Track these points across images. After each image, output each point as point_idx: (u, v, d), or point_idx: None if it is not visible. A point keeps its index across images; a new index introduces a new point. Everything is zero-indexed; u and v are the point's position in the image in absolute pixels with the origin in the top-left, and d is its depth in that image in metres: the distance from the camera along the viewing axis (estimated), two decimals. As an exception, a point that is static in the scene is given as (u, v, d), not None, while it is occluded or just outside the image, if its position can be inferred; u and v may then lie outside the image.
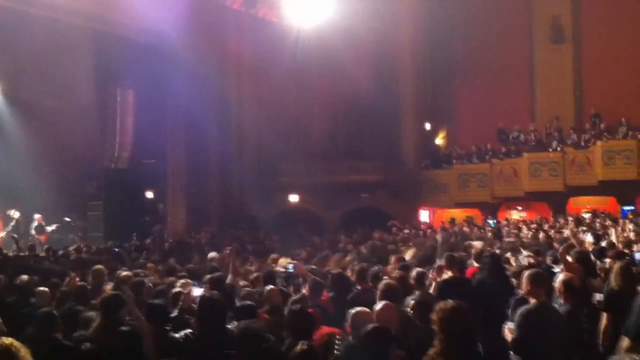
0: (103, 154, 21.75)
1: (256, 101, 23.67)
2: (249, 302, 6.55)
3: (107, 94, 21.71)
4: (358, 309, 5.20)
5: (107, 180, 21.78)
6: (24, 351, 3.12)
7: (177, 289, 7.23)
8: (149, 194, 23.30)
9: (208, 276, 8.01)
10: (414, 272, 7.42)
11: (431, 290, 7.51)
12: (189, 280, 8.04)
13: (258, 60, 23.85)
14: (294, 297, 6.95)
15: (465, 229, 18.89)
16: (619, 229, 12.89)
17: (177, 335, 5.21)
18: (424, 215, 25.78)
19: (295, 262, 9.34)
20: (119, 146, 21.89)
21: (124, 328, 5.64)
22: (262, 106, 23.49)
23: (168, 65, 20.34)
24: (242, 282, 8.80)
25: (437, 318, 4.39)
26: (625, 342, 4.89)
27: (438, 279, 7.89)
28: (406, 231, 18.57)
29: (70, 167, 20.52)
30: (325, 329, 5.08)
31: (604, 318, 6.40)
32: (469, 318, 4.47)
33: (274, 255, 11.82)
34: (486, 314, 6.95)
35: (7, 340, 3.18)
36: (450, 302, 4.52)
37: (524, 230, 16.80)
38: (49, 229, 19.11)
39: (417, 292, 7.00)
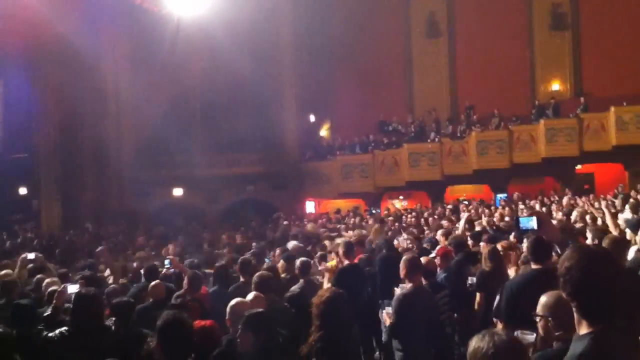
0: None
1: (134, 92, 22.82)
2: (125, 299, 6.33)
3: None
4: (235, 300, 5.19)
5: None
6: None
7: (53, 288, 6.88)
8: (22, 190, 22.07)
9: (81, 273, 7.70)
10: (298, 262, 7.46)
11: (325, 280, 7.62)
12: (56, 279, 7.66)
13: (136, 50, 23.09)
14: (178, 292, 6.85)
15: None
16: (497, 214, 13.40)
17: (50, 334, 5.02)
18: (310, 207, 25.91)
19: (171, 257, 9.14)
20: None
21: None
22: (140, 98, 22.68)
23: (39, 54, 19.29)
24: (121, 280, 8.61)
25: (314, 306, 4.54)
26: (498, 325, 5.05)
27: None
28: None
29: None
30: (197, 323, 4.98)
31: (478, 298, 6.68)
32: (344, 305, 4.60)
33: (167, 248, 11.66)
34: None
35: None
36: (328, 291, 4.70)
37: (408, 218, 17.15)
38: None
39: (301, 281, 7.09)
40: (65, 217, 21.48)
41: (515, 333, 3.40)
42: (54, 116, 21.52)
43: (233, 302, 5.15)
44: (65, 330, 5.00)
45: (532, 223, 6.81)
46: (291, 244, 10.34)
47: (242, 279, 7.36)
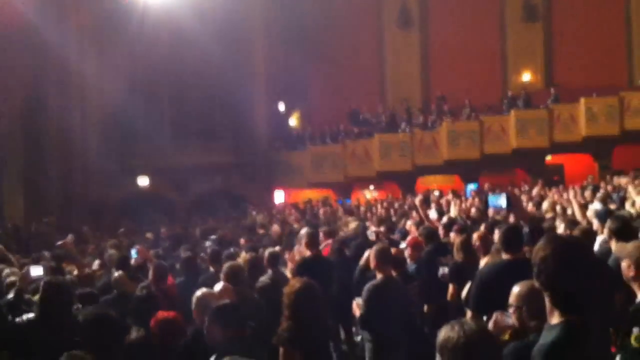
0: None
1: (100, 79, 22.31)
2: (89, 289, 6.41)
3: None
4: (201, 291, 5.11)
5: None
6: None
7: (12, 278, 6.72)
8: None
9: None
10: (266, 253, 7.40)
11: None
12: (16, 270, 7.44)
13: (102, 35, 22.63)
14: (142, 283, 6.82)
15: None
16: (466, 204, 13.37)
17: (18, 319, 4.96)
18: (279, 196, 25.74)
19: (139, 247, 8.98)
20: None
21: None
22: (106, 85, 22.20)
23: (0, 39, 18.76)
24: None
25: (285, 296, 4.53)
26: (468, 314, 5.00)
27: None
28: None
29: None
30: (160, 314, 4.86)
31: (451, 289, 6.62)
32: (316, 296, 4.57)
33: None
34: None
35: None
36: (298, 281, 4.66)
37: (378, 208, 17.10)
38: None
39: (269, 272, 6.97)
40: (28, 208, 20.99)
41: (495, 315, 3.47)
42: (17, 104, 20.97)
43: (199, 292, 5.06)
44: (32, 316, 4.94)
45: (501, 201, 6.76)
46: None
47: (212, 269, 7.27)
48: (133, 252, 8.58)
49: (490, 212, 8.89)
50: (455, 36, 25.05)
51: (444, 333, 2.40)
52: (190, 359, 4.52)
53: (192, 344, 4.58)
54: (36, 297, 6.73)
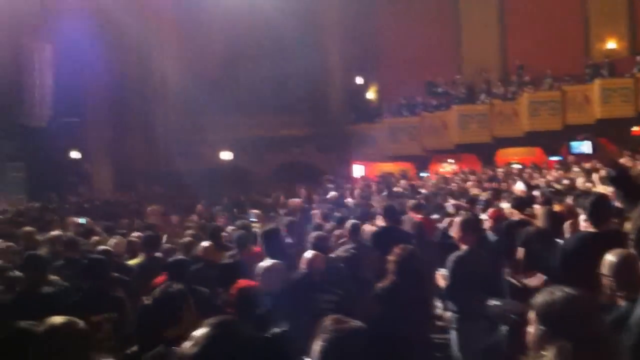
0: (20, 112, 20.72)
1: (179, 54, 22.87)
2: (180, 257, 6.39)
3: (22, 48, 20.60)
4: (267, 263, 5.22)
5: (26, 140, 20.87)
6: None
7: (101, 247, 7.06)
8: (75, 154, 22.51)
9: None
10: (348, 224, 7.48)
11: None
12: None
13: (180, 12, 23.10)
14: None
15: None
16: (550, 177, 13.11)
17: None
18: (359, 170, 25.77)
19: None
20: (38, 103, 20.93)
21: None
22: (185, 59, 22.74)
23: (86, 19, 19.43)
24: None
25: (390, 261, 5.04)
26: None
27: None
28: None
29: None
30: (240, 282, 5.04)
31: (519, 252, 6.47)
32: (419, 261, 5.13)
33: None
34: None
35: None
36: (402, 248, 5.13)
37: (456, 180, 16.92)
38: None
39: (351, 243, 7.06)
40: (115, 180, 21.88)
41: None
42: (104, 80, 21.78)
43: (265, 264, 5.18)
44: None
45: (585, 147, 6.58)
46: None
47: (289, 240, 7.42)
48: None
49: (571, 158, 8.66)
50: (533, 2, 24.24)
51: (543, 297, 2.33)
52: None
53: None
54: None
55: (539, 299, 2.34)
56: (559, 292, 2.31)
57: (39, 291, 5.38)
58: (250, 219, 9.65)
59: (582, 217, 5.71)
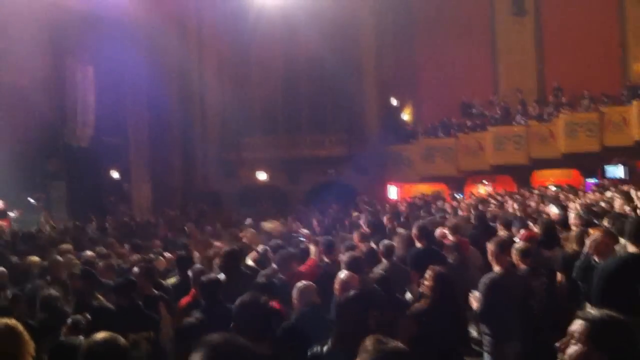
0: (62, 132, 21.25)
1: (218, 75, 23.32)
2: (213, 276, 6.44)
3: (65, 69, 21.16)
4: (303, 283, 5.24)
5: (68, 159, 21.34)
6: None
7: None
8: (115, 174, 22.93)
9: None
10: (381, 246, 7.45)
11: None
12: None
13: (219, 33, 23.52)
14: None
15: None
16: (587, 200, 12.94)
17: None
18: (393, 191, 25.76)
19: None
20: (80, 124, 21.43)
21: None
22: (224, 80, 23.15)
23: (128, 41, 19.89)
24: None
25: (430, 280, 5.27)
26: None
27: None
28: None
29: (28, 145, 19.96)
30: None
31: (559, 277, 6.67)
32: (452, 282, 5.37)
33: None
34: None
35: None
36: (435, 269, 5.36)
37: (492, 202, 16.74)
38: (12, 214, 18.00)
39: (385, 262, 7.08)
40: (155, 199, 22.21)
41: None
42: (145, 101, 22.23)
43: (302, 284, 5.21)
44: None
45: (620, 171, 6.61)
46: None
47: (327, 260, 7.45)
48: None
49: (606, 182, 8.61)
50: (570, 23, 24.07)
51: (597, 318, 2.37)
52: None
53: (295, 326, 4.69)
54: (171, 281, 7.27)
55: (591, 317, 2.38)
56: (608, 314, 2.38)
57: (90, 304, 5.58)
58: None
59: (622, 240, 5.69)
